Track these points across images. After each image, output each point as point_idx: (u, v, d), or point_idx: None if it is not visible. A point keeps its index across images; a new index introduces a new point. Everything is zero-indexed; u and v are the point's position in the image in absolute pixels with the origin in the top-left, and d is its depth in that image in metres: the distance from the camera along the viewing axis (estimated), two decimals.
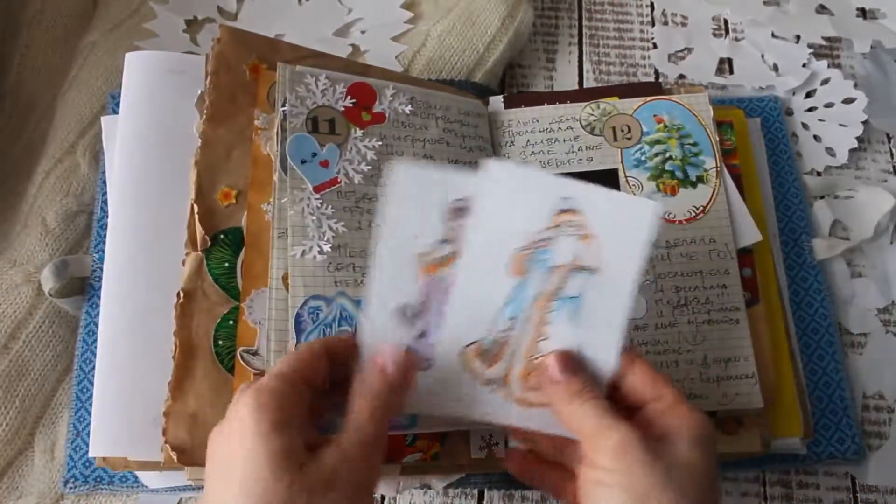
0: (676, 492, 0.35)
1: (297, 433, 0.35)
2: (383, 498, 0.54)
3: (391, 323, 0.42)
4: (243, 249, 0.49)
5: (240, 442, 0.34)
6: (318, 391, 0.38)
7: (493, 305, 0.42)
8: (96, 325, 0.53)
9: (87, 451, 0.51)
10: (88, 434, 0.50)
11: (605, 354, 0.41)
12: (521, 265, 0.42)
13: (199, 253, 0.49)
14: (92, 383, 0.51)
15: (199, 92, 0.53)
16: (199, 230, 0.49)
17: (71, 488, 0.52)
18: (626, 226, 0.41)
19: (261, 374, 0.47)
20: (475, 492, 0.55)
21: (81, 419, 0.53)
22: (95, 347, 0.52)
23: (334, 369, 0.40)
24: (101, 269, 0.53)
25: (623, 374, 0.41)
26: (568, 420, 0.39)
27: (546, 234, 0.41)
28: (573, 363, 0.41)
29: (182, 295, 0.48)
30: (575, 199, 0.41)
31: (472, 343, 0.42)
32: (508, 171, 0.42)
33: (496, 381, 0.42)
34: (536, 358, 0.42)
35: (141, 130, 0.54)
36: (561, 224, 0.41)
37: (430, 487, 0.54)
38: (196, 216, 0.49)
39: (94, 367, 0.51)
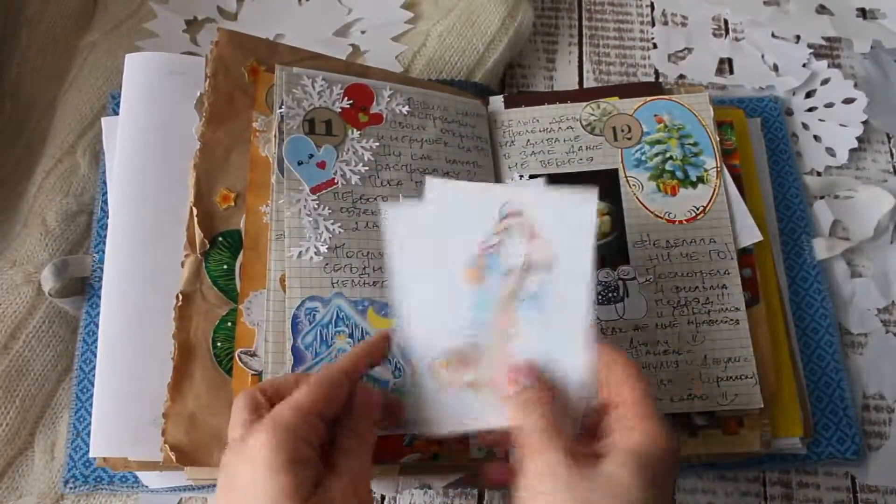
0: None
1: (306, 469, 0.36)
2: (383, 498, 0.54)
3: None
4: (241, 252, 0.49)
5: (252, 472, 0.36)
6: (333, 420, 0.39)
7: (456, 315, 0.43)
8: (96, 325, 0.53)
9: (87, 451, 0.51)
10: (88, 434, 0.50)
11: (573, 346, 0.41)
12: (475, 274, 0.43)
13: (198, 255, 0.49)
14: (92, 383, 0.51)
15: (199, 94, 0.53)
16: (198, 233, 0.49)
17: (71, 488, 0.52)
18: (569, 219, 0.42)
19: (258, 375, 0.47)
20: (475, 492, 0.55)
21: (81, 419, 0.53)
22: (95, 347, 0.52)
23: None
24: (101, 269, 0.53)
25: (602, 372, 0.40)
26: (515, 432, 0.39)
27: (493, 239, 0.42)
28: (529, 371, 0.41)
29: (181, 297, 0.48)
30: (514, 202, 0.42)
31: (439, 354, 0.43)
32: (446, 188, 0.44)
33: (477, 385, 0.42)
34: (513, 358, 0.42)
35: (141, 131, 0.54)
36: (507, 228, 0.42)
37: (429, 487, 0.53)
38: (195, 219, 0.49)
39: (94, 367, 0.51)
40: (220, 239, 0.50)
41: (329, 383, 0.39)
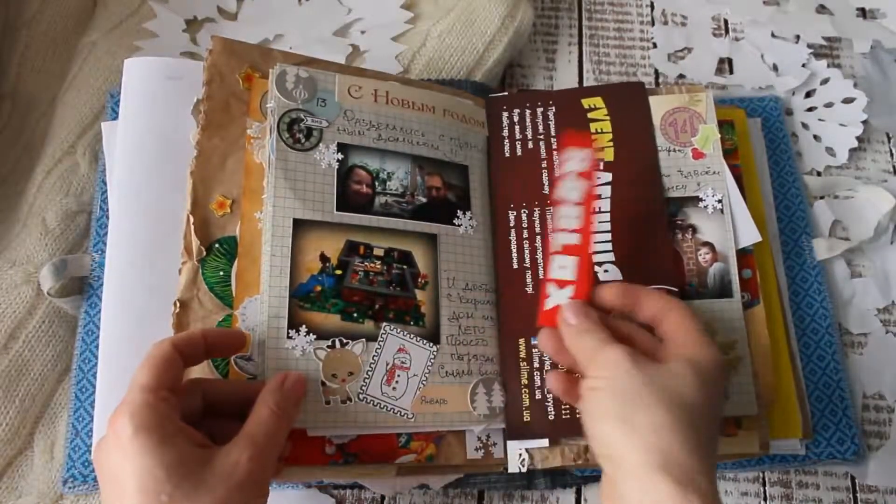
0: (656, 394, 0.39)
1: (182, 440, 0.38)
2: (383, 498, 0.54)
3: None
4: (237, 258, 0.50)
5: (128, 460, 0.37)
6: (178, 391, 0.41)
7: None
8: (95, 324, 0.53)
9: (86, 451, 0.51)
10: (88, 434, 0.50)
11: None
12: None
13: (195, 262, 0.49)
14: (91, 383, 0.51)
15: (196, 100, 0.53)
16: (195, 240, 0.49)
17: (70, 488, 0.52)
18: None
19: (254, 378, 0.47)
20: (475, 492, 0.55)
21: (81, 419, 0.53)
22: (94, 347, 0.52)
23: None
24: (100, 269, 0.53)
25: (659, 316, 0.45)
26: (576, 351, 0.44)
27: None
28: (583, 308, 0.45)
29: (178, 305, 0.49)
30: None
31: None
32: None
33: None
34: None
35: (140, 137, 0.54)
36: None
37: (429, 487, 0.53)
38: (192, 226, 0.50)
39: (93, 367, 0.51)
40: (217, 246, 0.50)
41: (162, 357, 0.40)
